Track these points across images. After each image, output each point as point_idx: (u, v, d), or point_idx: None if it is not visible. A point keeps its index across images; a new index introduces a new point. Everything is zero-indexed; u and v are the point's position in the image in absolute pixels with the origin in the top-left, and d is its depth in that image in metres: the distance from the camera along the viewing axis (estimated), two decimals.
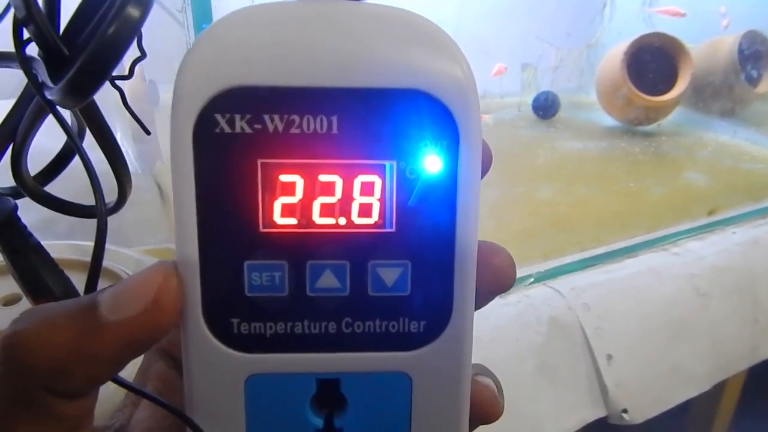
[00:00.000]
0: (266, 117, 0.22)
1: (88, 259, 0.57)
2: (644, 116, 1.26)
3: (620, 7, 1.38)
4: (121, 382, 0.24)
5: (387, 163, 0.23)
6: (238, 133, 0.22)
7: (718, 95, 1.28)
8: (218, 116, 0.22)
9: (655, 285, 0.77)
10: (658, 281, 0.78)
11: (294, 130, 0.22)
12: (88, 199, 0.40)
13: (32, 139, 0.36)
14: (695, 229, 0.89)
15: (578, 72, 1.41)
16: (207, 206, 0.22)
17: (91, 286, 0.25)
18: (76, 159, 0.40)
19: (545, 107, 1.30)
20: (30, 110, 0.35)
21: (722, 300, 0.81)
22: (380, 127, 0.22)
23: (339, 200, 0.23)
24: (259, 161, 0.22)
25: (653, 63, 1.23)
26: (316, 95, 0.22)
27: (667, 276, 0.79)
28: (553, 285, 0.73)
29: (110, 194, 0.41)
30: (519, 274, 0.70)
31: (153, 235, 0.74)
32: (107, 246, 0.59)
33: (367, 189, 0.23)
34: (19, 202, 0.40)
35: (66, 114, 0.39)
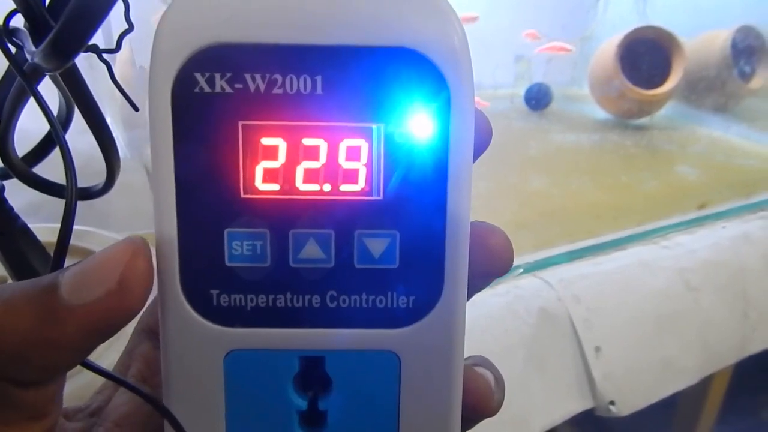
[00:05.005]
0: (247, 76, 0.21)
1: (77, 243, 0.57)
2: (637, 109, 1.26)
3: (614, 0, 1.38)
4: (90, 366, 0.22)
5: (374, 126, 0.22)
6: (219, 93, 0.21)
7: (711, 90, 1.28)
8: (198, 75, 0.21)
9: (645, 278, 0.77)
10: (648, 274, 0.78)
11: (276, 91, 0.21)
12: (79, 181, 0.39)
13: (18, 118, 0.35)
14: (685, 223, 0.89)
15: (571, 64, 1.41)
16: (186, 170, 0.22)
17: (56, 268, 0.23)
18: (67, 140, 0.40)
19: (537, 99, 1.30)
20: (14, 87, 0.34)
21: (712, 294, 0.81)
22: (367, 88, 0.21)
23: (323, 165, 0.22)
24: (240, 123, 0.21)
25: (647, 56, 1.22)
26: (299, 53, 0.21)
27: (657, 269, 0.79)
28: (543, 276, 0.72)
29: (100, 178, 0.41)
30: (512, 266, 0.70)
31: (141, 220, 0.73)
32: (94, 230, 0.58)
33: (353, 153, 0.22)
34: (6, 185, 0.40)
35: (55, 93, 0.39)
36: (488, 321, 0.64)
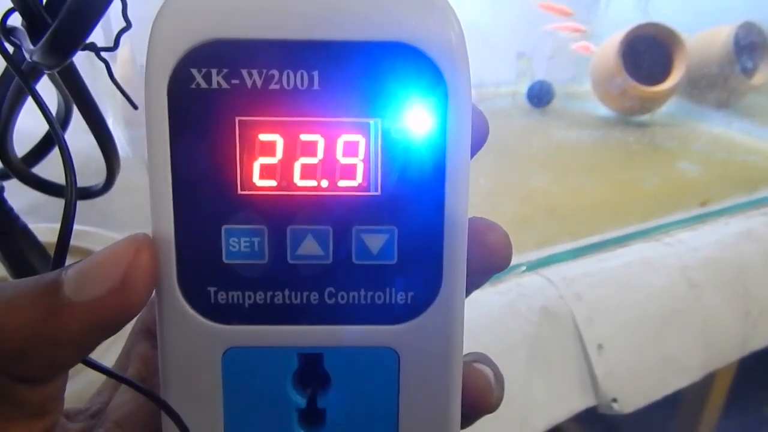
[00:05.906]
0: (244, 72, 0.21)
1: (77, 243, 0.57)
2: (639, 106, 1.26)
3: None
4: (91, 364, 0.22)
5: (371, 122, 0.22)
6: (215, 88, 0.21)
7: (713, 86, 1.28)
8: (194, 71, 0.21)
9: (647, 275, 0.77)
10: (650, 272, 0.78)
11: (273, 86, 0.21)
12: (79, 181, 0.39)
13: (17, 118, 0.35)
14: (688, 220, 0.89)
15: (573, 62, 1.41)
16: (182, 167, 0.21)
17: (57, 266, 0.23)
18: (66, 139, 0.40)
19: (539, 96, 1.30)
20: (13, 87, 0.34)
21: (714, 291, 0.81)
22: (364, 83, 0.21)
23: (321, 161, 0.22)
24: (237, 119, 0.21)
25: (649, 53, 1.22)
26: (296, 49, 0.21)
27: (659, 266, 0.78)
28: (545, 274, 0.72)
29: (100, 177, 0.41)
30: (511, 262, 0.70)
31: (142, 220, 0.73)
32: (94, 230, 0.58)
33: (350, 149, 0.22)
34: (6, 185, 0.40)
35: (54, 93, 0.39)
36: (490, 319, 0.64)
